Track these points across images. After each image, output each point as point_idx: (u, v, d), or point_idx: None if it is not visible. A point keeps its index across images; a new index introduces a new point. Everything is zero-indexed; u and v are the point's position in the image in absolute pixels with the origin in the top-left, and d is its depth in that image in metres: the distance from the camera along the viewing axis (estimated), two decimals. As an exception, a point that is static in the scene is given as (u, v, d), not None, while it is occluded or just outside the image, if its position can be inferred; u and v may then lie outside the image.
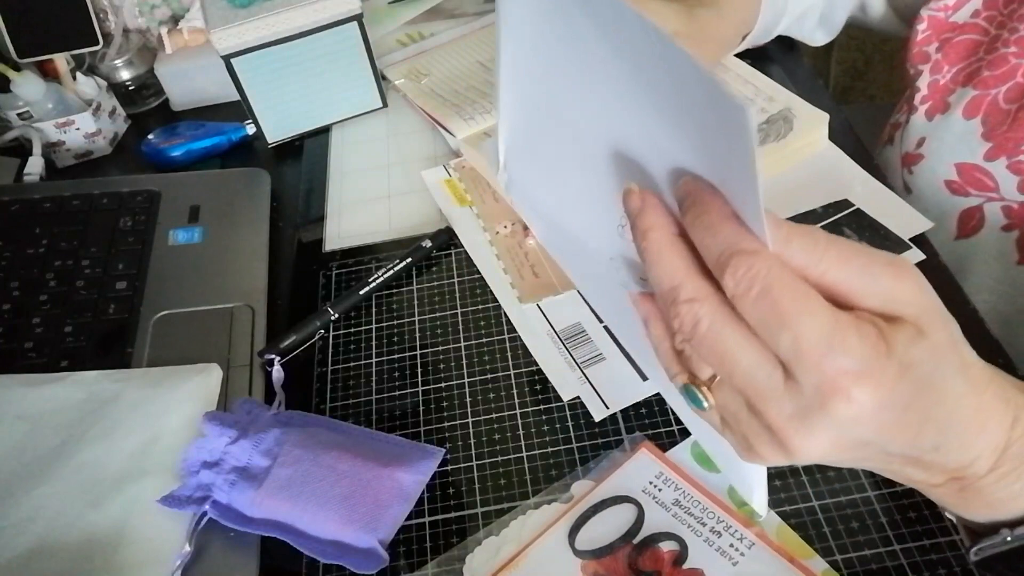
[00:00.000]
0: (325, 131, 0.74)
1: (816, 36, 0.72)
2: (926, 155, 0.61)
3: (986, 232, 0.59)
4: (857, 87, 1.54)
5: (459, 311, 0.57)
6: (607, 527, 0.44)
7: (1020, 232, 0.58)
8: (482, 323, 0.56)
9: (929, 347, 0.29)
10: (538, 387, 0.51)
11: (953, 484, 0.33)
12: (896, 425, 0.30)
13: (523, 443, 0.49)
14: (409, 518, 0.46)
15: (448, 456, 0.49)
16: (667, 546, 0.43)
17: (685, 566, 0.42)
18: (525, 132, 0.39)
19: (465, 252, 0.60)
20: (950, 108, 0.60)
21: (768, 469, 0.39)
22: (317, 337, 0.56)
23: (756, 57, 0.70)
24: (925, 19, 0.62)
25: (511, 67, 0.37)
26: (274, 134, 0.73)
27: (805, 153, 0.61)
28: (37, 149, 0.73)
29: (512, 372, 0.53)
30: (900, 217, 0.56)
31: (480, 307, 0.57)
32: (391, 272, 0.58)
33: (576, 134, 0.35)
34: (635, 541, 0.43)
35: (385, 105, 0.74)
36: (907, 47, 0.64)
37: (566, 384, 0.51)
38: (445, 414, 0.51)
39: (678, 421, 0.48)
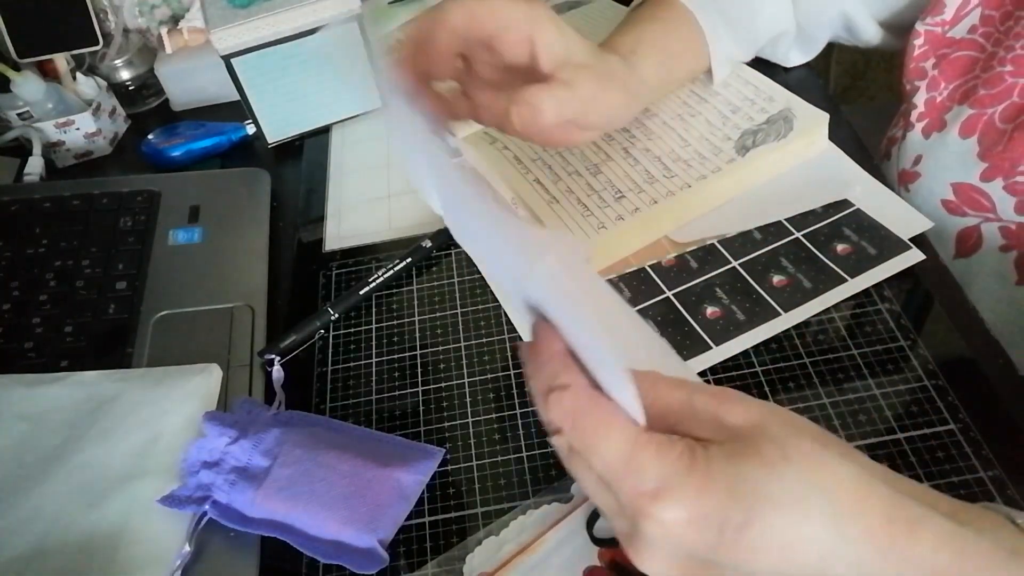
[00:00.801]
0: (325, 131, 0.74)
1: (791, 57, 0.70)
2: (923, 173, 0.61)
3: (984, 252, 0.59)
4: (857, 87, 1.54)
5: (459, 311, 0.57)
6: None
7: (1018, 252, 0.58)
8: (482, 323, 0.56)
9: (753, 464, 0.29)
10: (538, 387, 0.51)
11: None
12: (734, 545, 0.29)
13: (523, 443, 0.49)
14: (409, 518, 0.46)
15: (448, 456, 0.49)
16: None
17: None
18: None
19: (465, 252, 0.60)
20: (947, 126, 0.60)
21: None
22: (317, 337, 0.56)
23: (756, 57, 0.70)
24: (922, 34, 0.61)
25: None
26: (274, 134, 0.73)
27: (805, 153, 0.61)
28: (37, 149, 0.73)
29: (512, 372, 0.53)
30: (900, 217, 0.56)
31: (480, 307, 0.57)
32: (391, 272, 0.58)
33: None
34: None
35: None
36: (904, 62, 0.63)
37: (566, 384, 0.51)
38: (445, 414, 0.51)
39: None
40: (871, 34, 0.67)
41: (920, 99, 0.62)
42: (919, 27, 0.61)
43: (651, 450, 0.29)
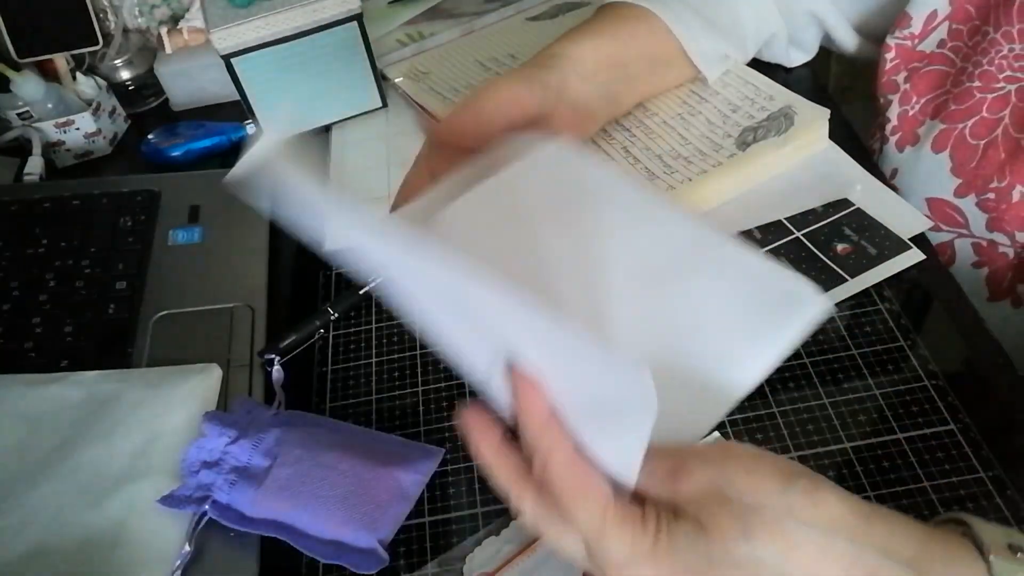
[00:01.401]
0: (325, 131, 0.74)
1: (792, 57, 0.70)
2: (899, 187, 0.61)
3: (957, 268, 0.59)
4: (857, 87, 1.54)
5: (459, 311, 0.57)
6: None
7: (990, 269, 0.58)
8: (482, 323, 0.56)
9: (714, 542, 0.31)
10: (538, 387, 0.51)
11: None
12: None
13: (523, 443, 0.49)
14: (409, 518, 0.46)
15: (448, 456, 0.49)
16: None
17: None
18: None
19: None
20: (920, 141, 0.60)
21: None
22: (317, 337, 0.56)
23: (756, 57, 0.70)
24: (893, 48, 0.61)
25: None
26: (274, 134, 0.72)
27: (806, 151, 0.61)
28: (37, 149, 0.73)
29: (512, 372, 0.52)
30: (900, 217, 0.56)
31: (480, 307, 0.57)
32: (391, 272, 0.58)
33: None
34: None
35: (385, 105, 0.74)
36: (876, 76, 0.63)
37: (566, 384, 0.51)
38: (445, 414, 0.51)
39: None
40: (845, 38, 0.67)
41: (893, 113, 0.62)
42: (890, 41, 0.61)
43: (615, 529, 0.32)
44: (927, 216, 0.58)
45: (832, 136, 0.62)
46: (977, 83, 0.56)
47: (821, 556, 0.30)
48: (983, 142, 0.56)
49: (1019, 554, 0.31)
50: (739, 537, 0.30)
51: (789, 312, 0.34)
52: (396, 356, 0.55)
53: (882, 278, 0.53)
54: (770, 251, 0.55)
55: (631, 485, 0.33)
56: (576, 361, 0.31)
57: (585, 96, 0.55)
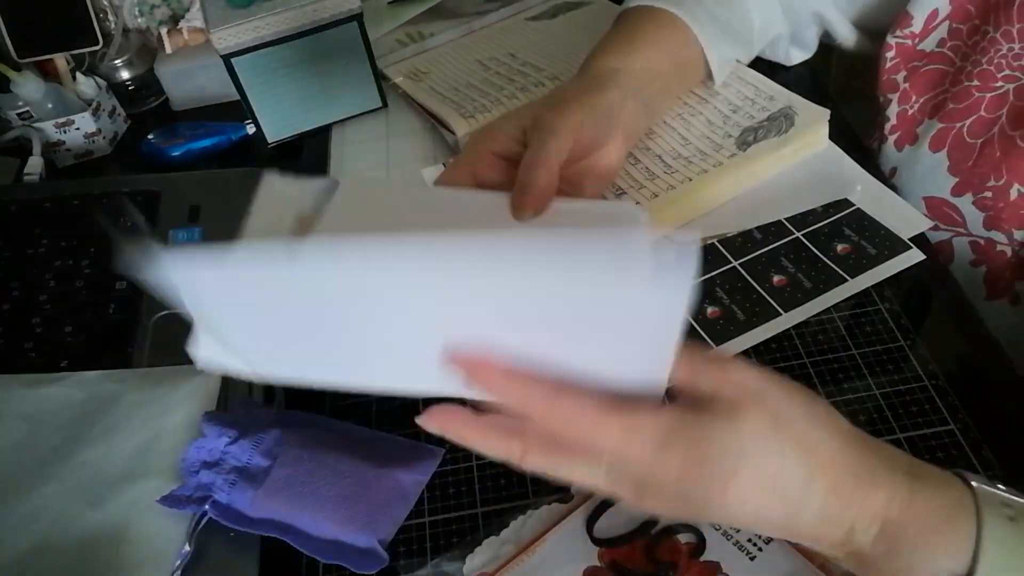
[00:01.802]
0: (325, 131, 0.74)
1: (792, 56, 0.71)
2: (898, 186, 0.61)
3: (955, 267, 0.59)
4: (857, 87, 1.54)
5: (459, 311, 0.57)
6: (625, 517, 0.44)
7: (987, 268, 0.58)
8: (482, 323, 0.56)
9: (739, 423, 0.33)
10: (538, 387, 0.51)
11: (851, 559, 0.35)
12: (722, 493, 0.32)
13: (523, 443, 0.49)
14: (409, 518, 0.46)
15: (448, 456, 0.49)
16: (685, 538, 0.43)
17: (702, 558, 0.42)
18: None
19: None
20: (918, 140, 0.60)
21: None
22: (317, 337, 0.56)
23: (756, 57, 0.70)
24: (893, 47, 0.61)
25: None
26: (274, 134, 0.73)
27: (806, 151, 0.61)
28: (37, 149, 0.73)
29: (512, 372, 0.52)
30: (900, 217, 0.56)
31: (480, 307, 0.57)
32: (391, 272, 0.58)
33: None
34: (653, 532, 0.43)
35: (385, 105, 0.74)
36: (876, 75, 0.63)
37: (566, 384, 0.51)
38: (445, 414, 0.51)
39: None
40: (845, 35, 0.67)
41: (892, 112, 0.62)
42: (890, 40, 0.61)
43: (644, 417, 0.33)
44: (925, 215, 0.58)
45: (832, 136, 0.62)
46: (976, 82, 0.56)
47: (837, 452, 0.33)
48: (980, 140, 0.56)
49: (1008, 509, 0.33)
50: (769, 422, 0.33)
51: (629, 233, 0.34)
52: (396, 356, 0.55)
53: (882, 278, 0.53)
54: (770, 251, 0.55)
55: (663, 382, 0.34)
56: (575, 270, 0.31)
57: (635, 113, 0.54)
